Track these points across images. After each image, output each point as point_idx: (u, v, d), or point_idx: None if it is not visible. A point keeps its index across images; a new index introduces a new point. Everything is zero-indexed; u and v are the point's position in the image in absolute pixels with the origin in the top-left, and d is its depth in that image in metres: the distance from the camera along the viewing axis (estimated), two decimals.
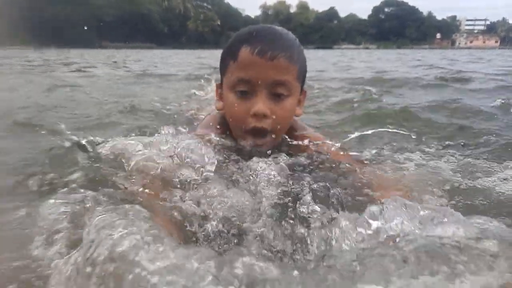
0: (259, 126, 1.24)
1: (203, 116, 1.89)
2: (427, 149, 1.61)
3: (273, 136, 1.28)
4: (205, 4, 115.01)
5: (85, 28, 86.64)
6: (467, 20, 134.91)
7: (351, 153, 1.38)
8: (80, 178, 1.18)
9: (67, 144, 1.50)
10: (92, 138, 1.52)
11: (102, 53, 30.79)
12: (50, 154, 1.51)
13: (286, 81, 1.23)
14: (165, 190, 1.03)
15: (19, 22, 77.39)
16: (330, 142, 1.39)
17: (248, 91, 1.24)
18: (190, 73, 7.85)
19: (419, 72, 7.78)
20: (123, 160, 1.17)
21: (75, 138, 1.53)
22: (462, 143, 1.86)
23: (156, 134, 1.30)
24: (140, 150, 1.17)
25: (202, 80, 4.45)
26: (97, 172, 1.21)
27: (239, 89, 1.25)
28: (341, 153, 1.37)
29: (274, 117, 1.24)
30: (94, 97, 3.81)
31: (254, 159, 1.17)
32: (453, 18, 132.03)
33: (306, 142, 1.37)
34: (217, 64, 1.40)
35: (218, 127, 1.39)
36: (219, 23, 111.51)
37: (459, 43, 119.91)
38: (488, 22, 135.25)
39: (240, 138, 1.32)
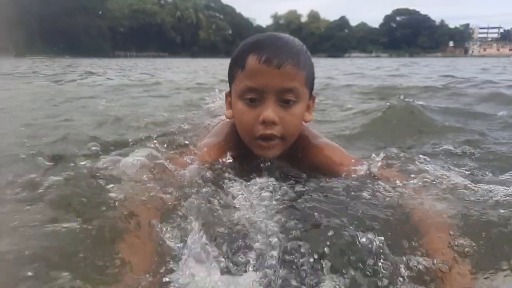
0: (268, 133, 1.26)
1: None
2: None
3: (282, 141, 1.30)
4: (217, 14, 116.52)
5: (100, 38, 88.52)
6: (480, 28, 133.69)
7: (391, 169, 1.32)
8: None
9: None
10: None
11: (114, 62, 31.68)
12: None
13: (294, 88, 1.25)
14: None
15: (36, 32, 79.46)
16: (363, 163, 1.35)
17: (257, 99, 1.26)
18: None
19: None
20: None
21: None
22: None
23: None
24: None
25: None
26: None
27: (247, 97, 1.26)
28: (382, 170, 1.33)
29: (283, 123, 1.26)
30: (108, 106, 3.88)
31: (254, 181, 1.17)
32: (466, 26, 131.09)
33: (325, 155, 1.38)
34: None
35: (227, 135, 1.42)
36: (230, 32, 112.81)
37: (472, 51, 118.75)
38: (501, 30, 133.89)
39: (250, 145, 1.33)
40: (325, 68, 15.05)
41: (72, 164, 1.40)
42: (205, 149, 1.36)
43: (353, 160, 1.39)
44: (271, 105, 1.23)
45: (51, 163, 1.57)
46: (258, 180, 1.19)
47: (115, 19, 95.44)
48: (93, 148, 1.82)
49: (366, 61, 38.10)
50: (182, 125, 2.49)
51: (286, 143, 1.31)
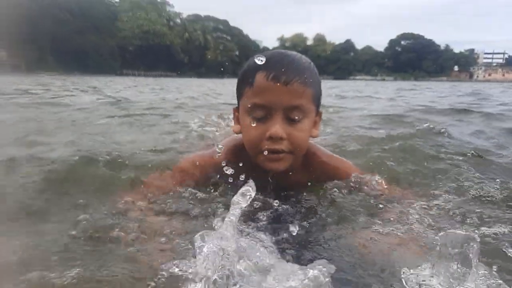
0: (276, 148, 1.26)
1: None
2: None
3: (291, 155, 1.30)
4: (224, 36, 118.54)
5: (109, 56, 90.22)
6: (485, 53, 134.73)
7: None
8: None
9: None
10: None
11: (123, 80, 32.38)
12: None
13: (301, 105, 1.26)
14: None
15: (47, 49, 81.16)
16: (372, 177, 1.47)
17: (264, 115, 1.27)
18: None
19: None
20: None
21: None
22: None
23: None
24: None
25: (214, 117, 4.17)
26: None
27: (255, 114, 1.28)
28: (386, 187, 1.46)
29: (290, 139, 1.27)
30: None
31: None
32: (471, 51, 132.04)
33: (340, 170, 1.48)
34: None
35: (232, 151, 1.46)
36: (237, 53, 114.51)
37: (477, 76, 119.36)
38: (506, 56, 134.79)
39: (256, 159, 1.33)
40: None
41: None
42: (197, 163, 1.46)
43: (359, 172, 1.49)
44: (279, 121, 1.25)
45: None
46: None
47: (125, 38, 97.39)
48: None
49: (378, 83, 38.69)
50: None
51: (294, 156, 1.32)
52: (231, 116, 1.54)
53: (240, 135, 1.47)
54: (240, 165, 1.33)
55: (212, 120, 3.92)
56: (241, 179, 1.25)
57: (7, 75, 40.46)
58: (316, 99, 1.35)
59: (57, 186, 1.57)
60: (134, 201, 1.29)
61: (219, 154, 1.42)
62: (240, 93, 1.37)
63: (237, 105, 1.43)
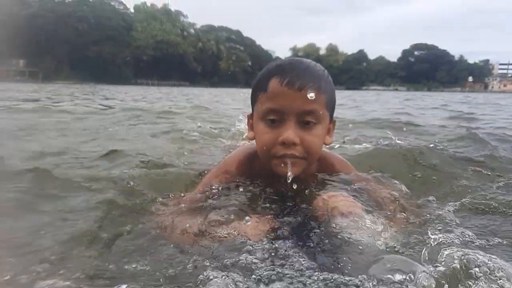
0: (289, 153, 1.27)
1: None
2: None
3: (304, 160, 1.30)
4: (237, 46, 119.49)
5: (124, 66, 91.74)
6: (500, 64, 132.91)
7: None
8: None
9: None
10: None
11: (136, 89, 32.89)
12: None
13: (315, 110, 1.27)
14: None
15: (64, 59, 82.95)
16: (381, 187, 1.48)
17: (278, 120, 1.28)
18: None
19: None
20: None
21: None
22: None
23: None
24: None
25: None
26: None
27: (268, 118, 1.29)
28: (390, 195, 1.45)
29: (303, 144, 1.27)
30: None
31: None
32: (486, 61, 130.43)
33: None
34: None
35: (242, 162, 1.48)
36: (250, 63, 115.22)
37: (492, 87, 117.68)
38: None
39: (269, 164, 1.34)
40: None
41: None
42: (216, 177, 1.46)
43: (367, 178, 1.52)
44: (292, 126, 1.26)
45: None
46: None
47: (139, 48, 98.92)
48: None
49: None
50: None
51: (307, 162, 1.32)
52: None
53: (246, 146, 1.51)
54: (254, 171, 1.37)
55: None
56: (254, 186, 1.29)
57: (25, 83, 41.54)
58: (330, 106, 1.36)
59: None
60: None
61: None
62: (254, 99, 1.39)
63: (251, 112, 1.44)
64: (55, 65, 79.71)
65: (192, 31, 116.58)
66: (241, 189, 1.38)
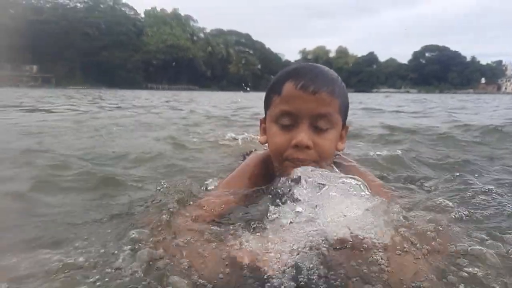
0: (301, 158, 1.27)
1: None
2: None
3: (316, 164, 1.29)
4: (247, 49, 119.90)
5: (134, 71, 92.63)
6: None
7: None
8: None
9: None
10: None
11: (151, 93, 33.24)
12: None
13: (328, 114, 1.28)
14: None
15: (76, 64, 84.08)
16: (377, 180, 1.51)
17: (291, 123, 1.28)
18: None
19: None
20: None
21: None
22: None
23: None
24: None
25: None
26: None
27: (282, 122, 1.30)
28: (383, 189, 1.48)
29: (316, 148, 1.27)
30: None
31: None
32: (499, 62, 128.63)
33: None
34: None
35: (258, 167, 1.48)
36: (259, 67, 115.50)
37: (505, 88, 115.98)
38: None
39: (282, 167, 1.34)
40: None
41: None
42: (234, 181, 1.44)
43: (381, 188, 1.46)
44: (305, 129, 1.26)
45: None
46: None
47: (149, 52, 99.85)
48: None
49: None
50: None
51: (319, 166, 1.29)
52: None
53: (259, 153, 1.50)
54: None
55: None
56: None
57: (38, 89, 42.16)
58: (343, 111, 1.36)
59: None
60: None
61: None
62: (268, 103, 1.39)
63: (264, 116, 1.45)
64: (67, 70, 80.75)
65: (201, 35, 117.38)
66: (254, 196, 1.36)
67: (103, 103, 13.21)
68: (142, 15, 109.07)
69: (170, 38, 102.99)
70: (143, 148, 3.08)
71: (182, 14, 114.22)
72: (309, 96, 1.24)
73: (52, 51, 76.11)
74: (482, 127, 4.63)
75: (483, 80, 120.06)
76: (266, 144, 1.43)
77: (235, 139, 3.70)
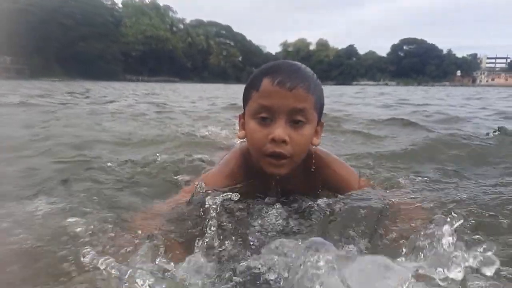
0: (278, 151, 1.31)
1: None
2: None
3: (291, 160, 1.36)
4: (227, 41, 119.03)
5: (113, 62, 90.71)
6: (488, 58, 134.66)
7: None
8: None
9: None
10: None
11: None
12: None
13: (304, 109, 1.32)
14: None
15: (51, 55, 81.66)
16: (356, 173, 1.60)
17: (268, 118, 1.33)
18: None
19: None
20: None
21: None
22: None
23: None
24: None
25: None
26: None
27: (260, 116, 1.34)
28: (366, 183, 1.60)
29: (292, 143, 1.32)
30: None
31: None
32: (474, 55, 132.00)
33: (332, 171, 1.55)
34: None
35: (239, 162, 1.53)
36: (240, 59, 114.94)
37: (480, 81, 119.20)
38: (509, 60, 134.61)
39: (260, 163, 1.39)
40: None
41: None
42: (214, 179, 1.49)
43: (359, 178, 1.59)
44: (282, 124, 1.31)
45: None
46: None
47: (128, 43, 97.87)
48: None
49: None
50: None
51: (293, 162, 1.37)
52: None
53: (239, 148, 1.57)
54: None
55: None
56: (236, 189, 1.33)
57: (11, 80, 40.83)
58: (318, 108, 1.41)
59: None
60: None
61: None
62: (246, 98, 1.43)
63: (242, 112, 1.49)
64: (42, 62, 78.37)
65: (181, 26, 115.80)
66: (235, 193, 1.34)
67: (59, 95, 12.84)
68: (120, 5, 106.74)
69: (149, 29, 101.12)
70: None
71: (161, 4, 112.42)
72: (286, 92, 1.29)
73: (26, 42, 73.60)
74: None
75: (459, 73, 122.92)
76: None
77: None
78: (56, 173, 2.06)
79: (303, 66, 1.43)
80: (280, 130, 1.29)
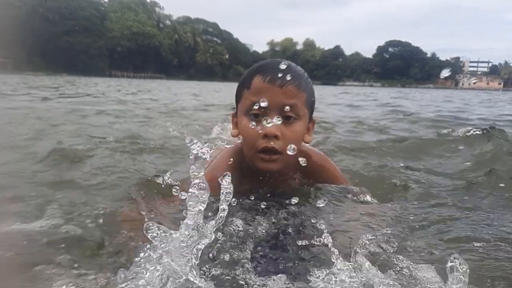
0: (270, 146, 1.34)
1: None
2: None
3: (282, 156, 1.38)
4: (214, 39, 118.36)
5: (98, 57, 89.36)
6: (471, 61, 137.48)
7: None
8: None
9: None
10: None
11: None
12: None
13: (295, 105, 1.36)
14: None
15: (35, 49, 79.95)
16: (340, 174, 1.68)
17: (260, 114, 1.36)
18: None
19: None
20: None
21: None
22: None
23: None
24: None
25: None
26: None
27: (252, 112, 1.37)
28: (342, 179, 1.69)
29: (284, 138, 1.35)
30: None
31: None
32: (457, 59, 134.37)
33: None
34: None
35: (230, 160, 1.52)
36: (227, 57, 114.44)
37: (462, 84, 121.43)
38: (490, 64, 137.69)
39: (253, 159, 1.42)
40: None
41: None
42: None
43: (343, 177, 1.69)
44: (274, 120, 1.33)
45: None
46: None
47: (113, 39, 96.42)
48: None
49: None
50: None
51: (286, 157, 1.39)
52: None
53: (232, 146, 1.60)
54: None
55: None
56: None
57: None
58: (309, 105, 1.45)
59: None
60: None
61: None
62: (238, 97, 1.47)
63: (235, 111, 1.53)
64: (26, 56, 76.72)
65: (168, 22, 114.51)
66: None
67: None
68: (106, 0, 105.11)
69: (135, 25, 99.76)
70: None
71: (148, 0, 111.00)
72: (277, 89, 1.34)
73: (10, 36, 71.94)
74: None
75: (442, 76, 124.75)
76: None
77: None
78: None
79: (294, 64, 1.46)
80: (271, 125, 1.32)
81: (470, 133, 3.19)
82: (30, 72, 62.65)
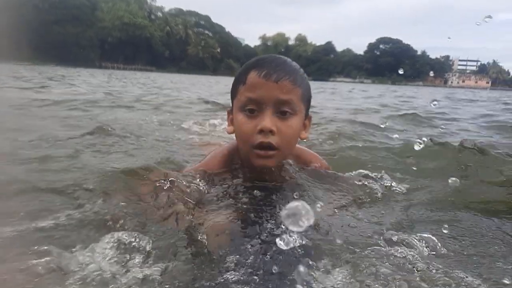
0: (266, 142, 1.33)
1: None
2: None
3: (279, 152, 1.37)
4: (206, 32, 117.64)
5: (89, 48, 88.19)
6: (460, 60, 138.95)
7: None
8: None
9: None
10: None
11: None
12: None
13: (290, 100, 1.34)
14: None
15: (24, 39, 78.63)
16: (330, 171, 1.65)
17: (256, 110, 1.34)
18: None
19: None
20: None
21: None
22: None
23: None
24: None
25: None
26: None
27: (247, 108, 1.36)
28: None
29: (280, 134, 1.34)
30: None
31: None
32: (447, 57, 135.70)
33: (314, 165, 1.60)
34: None
35: (222, 159, 1.54)
36: (219, 50, 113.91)
37: (451, 82, 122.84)
38: (479, 63, 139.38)
39: (248, 155, 1.40)
40: None
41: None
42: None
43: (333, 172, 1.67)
44: (269, 115, 1.32)
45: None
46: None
47: (104, 29, 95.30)
48: None
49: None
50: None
51: (282, 153, 1.39)
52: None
53: (223, 145, 1.61)
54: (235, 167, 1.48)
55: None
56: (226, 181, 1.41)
57: None
58: (305, 100, 1.43)
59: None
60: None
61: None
62: (234, 93, 1.46)
63: (231, 108, 1.52)
64: (14, 45, 75.40)
65: (159, 14, 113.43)
66: (220, 183, 1.44)
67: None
68: None
69: (126, 16, 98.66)
70: None
71: None
72: (272, 84, 1.32)
73: None
74: None
75: (431, 74, 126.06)
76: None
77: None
78: None
79: (289, 59, 1.45)
80: (267, 120, 1.31)
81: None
82: (18, 62, 61.66)
